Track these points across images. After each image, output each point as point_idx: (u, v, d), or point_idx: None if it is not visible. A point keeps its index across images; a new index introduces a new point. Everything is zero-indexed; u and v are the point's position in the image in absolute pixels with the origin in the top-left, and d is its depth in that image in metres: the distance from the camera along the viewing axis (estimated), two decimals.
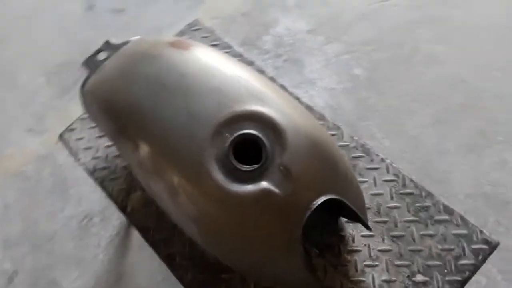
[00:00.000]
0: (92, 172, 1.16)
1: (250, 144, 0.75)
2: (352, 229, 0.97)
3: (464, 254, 0.91)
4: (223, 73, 0.82)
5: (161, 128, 0.76)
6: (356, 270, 0.93)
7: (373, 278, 0.92)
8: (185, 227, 0.83)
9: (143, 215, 1.07)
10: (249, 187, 0.72)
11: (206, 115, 0.75)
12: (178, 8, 2.27)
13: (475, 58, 1.82)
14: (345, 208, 0.82)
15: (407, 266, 0.92)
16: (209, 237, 0.78)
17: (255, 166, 0.72)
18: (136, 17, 2.31)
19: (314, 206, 0.73)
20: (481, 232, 0.93)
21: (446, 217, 0.95)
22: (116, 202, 1.11)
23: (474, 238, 0.92)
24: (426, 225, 0.95)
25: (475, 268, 0.90)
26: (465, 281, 0.89)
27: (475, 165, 1.56)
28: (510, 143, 1.59)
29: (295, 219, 0.73)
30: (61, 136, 1.25)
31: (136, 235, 1.25)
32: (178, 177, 0.75)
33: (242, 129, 0.74)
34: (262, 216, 0.72)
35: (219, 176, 0.72)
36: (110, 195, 1.12)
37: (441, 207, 0.97)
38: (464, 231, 0.93)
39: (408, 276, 0.91)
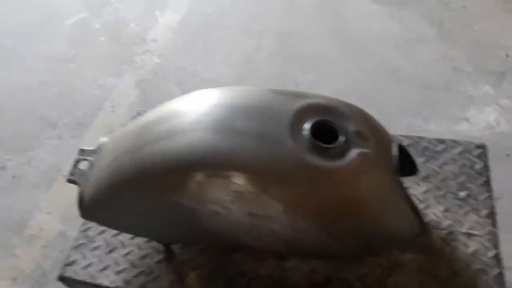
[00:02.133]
0: (125, 287, 1.02)
1: (317, 131, 0.83)
2: None
3: (474, 162, 1.12)
4: (250, 90, 0.90)
5: (248, 152, 0.78)
6: None
7: (434, 214, 1.04)
8: (302, 236, 0.83)
9: None
10: (348, 158, 0.79)
11: (275, 122, 0.81)
12: (66, 146, 2.16)
13: (341, 70, 2.25)
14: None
15: (448, 192, 1.08)
16: (333, 226, 0.81)
17: (340, 140, 0.81)
18: (19, 167, 2.10)
19: (396, 152, 0.85)
20: (470, 142, 1.17)
21: (443, 146, 1.17)
22: None
23: (470, 148, 1.15)
24: (436, 158, 1.14)
25: (487, 166, 1.11)
26: (488, 180, 1.09)
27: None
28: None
29: (390, 167, 0.83)
30: (61, 278, 1.06)
31: None
32: (287, 184, 0.77)
33: (309, 121, 0.82)
34: (368, 176, 0.80)
35: (322, 162, 0.78)
36: None
37: (435, 141, 1.18)
38: (460, 148, 1.15)
39: (455, 197, 1.07)
